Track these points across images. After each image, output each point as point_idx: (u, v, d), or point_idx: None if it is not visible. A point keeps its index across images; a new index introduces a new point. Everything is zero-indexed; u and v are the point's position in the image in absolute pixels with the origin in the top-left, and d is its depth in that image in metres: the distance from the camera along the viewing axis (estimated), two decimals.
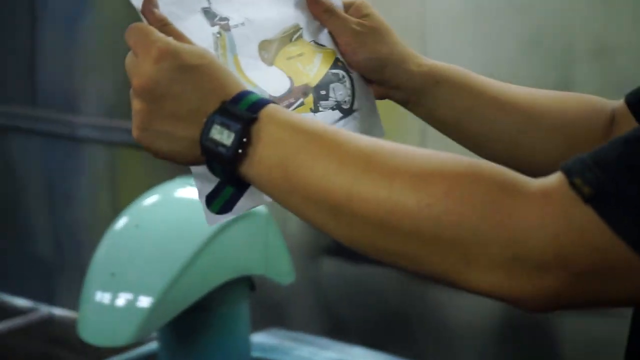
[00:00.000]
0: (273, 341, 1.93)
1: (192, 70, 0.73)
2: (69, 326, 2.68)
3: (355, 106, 0.94)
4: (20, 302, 3.04)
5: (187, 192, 1.71)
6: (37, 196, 2.98)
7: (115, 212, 1.89)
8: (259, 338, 1.91)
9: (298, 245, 2.31)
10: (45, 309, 2.97)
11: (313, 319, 2.36)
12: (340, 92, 0.93)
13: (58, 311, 2.95)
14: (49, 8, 2.84)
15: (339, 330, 2.29)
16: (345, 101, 0.93)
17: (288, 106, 0.90)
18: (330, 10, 0.92)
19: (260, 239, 1.72)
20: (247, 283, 1.74)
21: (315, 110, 0.91)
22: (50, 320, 2.94)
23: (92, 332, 1.57)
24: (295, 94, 0.91)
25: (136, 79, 0.72)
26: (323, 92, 0.92)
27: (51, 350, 2.86)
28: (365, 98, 0.96)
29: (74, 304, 2.23)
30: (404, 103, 0.92)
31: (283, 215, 2.12)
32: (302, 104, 0.91)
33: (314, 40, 0.94)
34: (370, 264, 2.16)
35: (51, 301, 2.97)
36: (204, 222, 0.79)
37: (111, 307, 1.55)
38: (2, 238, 3.11)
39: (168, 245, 1.61)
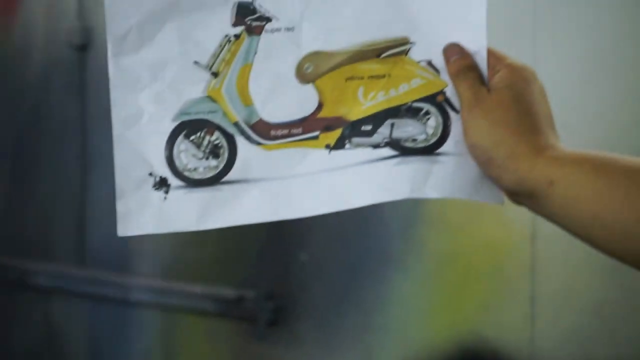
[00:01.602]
0: None
1: None
2: None
3: (444, 149, 0.81)
4: None
5: None
6: None
7: None
8: None
9: None
10: None
11: None
12: (406, 128, 0.81)
13: None
14: (103, 154, 2.67)
15: None
16: (415, 139, 0.81)
17: (283, 137, 0.81)
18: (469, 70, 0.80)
19: None
20: None
21: (337, 146, 0.81)
22: None
23: None
24: (308, 125, 0.81)
25: None
26: (366, 128, 0.81)
27: None
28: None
29: None
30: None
31: None
32: (311, 138, 0.81)
33: (428, 61, 0.80)
34: None
35: None
36: None
37: None
38: None
39: None
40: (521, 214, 1.52)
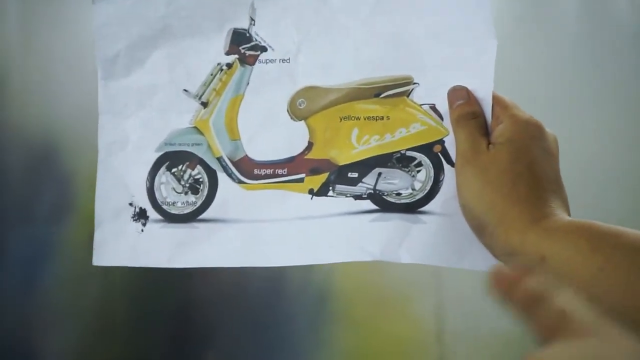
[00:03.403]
0: None
1: None
2: None
3: (429, 208, 0.74)
4: None
5: None
6: None
7: None
8: None
9: None
10: None
11: None
12: (393, 180, 0.75)
13: None
14: None
15: None
16: (399, 193, 0.75)
17: (266, 176, 0.76)
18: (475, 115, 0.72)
19: None
20: None
21: (320, 193, 0.76)
22: None
23: None
24: (295, 166, 0.76)
25: None
26: (352, 175, 0.75)
27: None
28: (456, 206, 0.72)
29: None
30: None
31: None
32: (295, 180, 0.76)
33: (431, 105, 0.73)
34: None
35: None
36: None
37: None
38: None
39: None
40: (426, 310, 1.43)
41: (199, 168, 0.78)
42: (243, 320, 1.91)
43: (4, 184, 1.99)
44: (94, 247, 0.79)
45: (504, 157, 0.67)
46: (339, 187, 0.75)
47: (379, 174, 0.74)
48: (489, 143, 0.69)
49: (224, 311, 1.43)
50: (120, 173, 0.79)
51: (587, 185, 1.52)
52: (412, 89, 0.74)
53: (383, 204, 0.74)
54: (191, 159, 0.78)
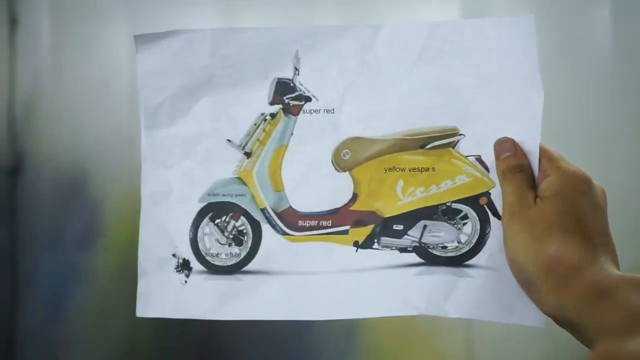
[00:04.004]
0: None
1: None
2: None
3: (475, 261, 0.73)
4: None
5: None
6: None
7: None
8: None
9: None
10: None
11: None
12: (439, 233, 0.74)
13: None
14: (32, 280, 2.63)
15: None
16: (445, 246, 0.74)
17: (311, 228, 0.75)
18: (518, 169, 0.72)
19: None
20: None
21: (365, 245, 0.75)
22: None
23: None
24: (339, 218, 0.75)
25: None
26: (398, 228, 0.74)
27: None
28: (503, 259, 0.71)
29: None
30: None
31: None
32: (340, 232, 0.75)
33: (477, 157, 0.73)
34: None
35: None
36: None
37: None
38: None
39: None
40: (454, 343, 1.41)
41: (242, 219, 0.78)
42: (272, 352, 1.90)
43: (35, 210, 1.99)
44: (137, 297, 0.78)
45: (552, 211, 0.67)
46: (384, 239, 0.74)
47: (425, 227, 0.73)
48: (536, 196, 0.69)
49: (252, 343, 1.43)
50: (164, 223, 0.78)
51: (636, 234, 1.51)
52: (458, 140, 0.73)
53: (428, 257, 0.73)
54: (235, 210, 0.78)
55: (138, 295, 0.78)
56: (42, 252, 1.98)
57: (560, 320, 0.66)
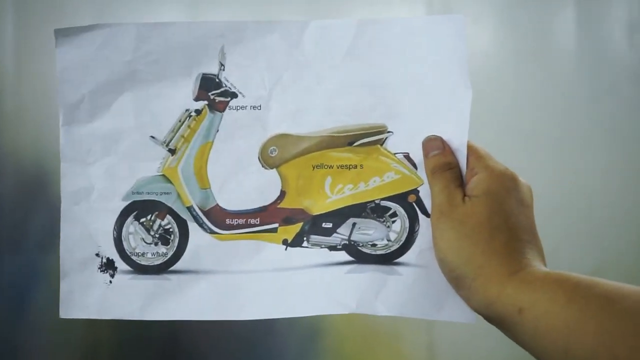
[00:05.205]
0: None
1: None
2: None
3: (405, 259, 0.73)
4: None
5: None
6: None
7: None
8: None
9: None
10: None
11: None
12: (368, 230, 0.74)
13: None
14: None
15: None
16: (375, 244, 0.73)
17: (238, 227, 0.74)
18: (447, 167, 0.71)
19: None
20: None
21: (294, 243, 0.74)
22: None
23: None
24: (268, 216, 0.74)
25: None
26: (327, 225, 0.74)
27: None
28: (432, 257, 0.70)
29: None
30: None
31: None
32: (268, 230, 0.74)
33: (405, 154, 0.72)
34: None
35: None
36: None
37: None
38: None
39: None
40: (417, 348, 1.40)
41: (168, 218, 0.76)
42: (232, 353, 1.89)
43: None
44: (60, 298, 0.77)
45: (481, 210, 0.67)
46: (313, 237, 0.73)
47: (354, 224, 0.72)
48: (464, 195, 0.68)
49: (212, 347, 1.41)
50: (85, 222, 0.76)
51: (580, 228, 1.50)
52: (386, 138, 0.72)
53: (358, 255, 0.72)
54: (160, 209, 0.76)
55: (61, 296, 0.77)
56: (2, 252, 1.97)
57: (489, 317, 0.66)
